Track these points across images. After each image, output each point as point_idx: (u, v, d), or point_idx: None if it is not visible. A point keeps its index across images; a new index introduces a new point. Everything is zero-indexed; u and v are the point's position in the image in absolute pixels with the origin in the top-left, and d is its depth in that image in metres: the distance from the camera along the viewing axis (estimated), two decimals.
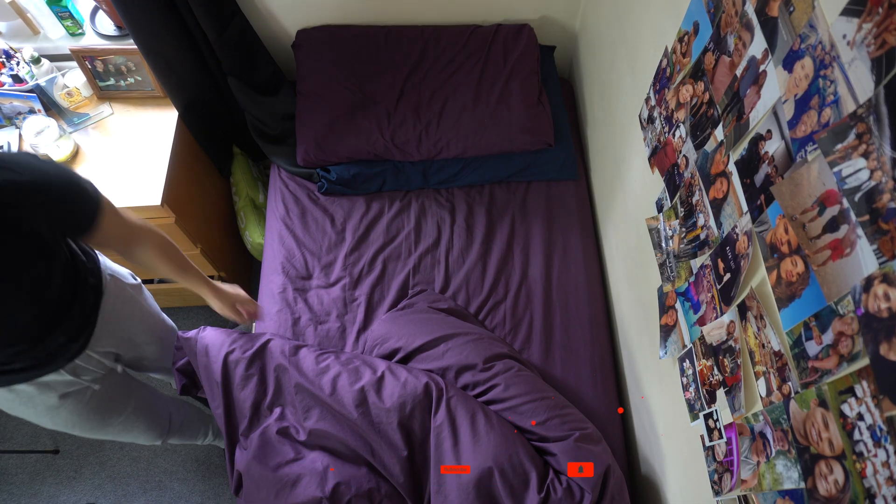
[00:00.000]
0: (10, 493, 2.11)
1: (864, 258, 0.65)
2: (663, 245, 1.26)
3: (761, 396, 0.90)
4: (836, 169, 0.69)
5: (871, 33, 0.62)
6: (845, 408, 0.70)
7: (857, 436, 0.68)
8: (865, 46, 0.63)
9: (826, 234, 0.72)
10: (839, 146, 0.68)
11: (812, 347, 0.76)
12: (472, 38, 1.88)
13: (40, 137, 1.70)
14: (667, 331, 1.27)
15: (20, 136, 1.79)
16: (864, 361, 0.66)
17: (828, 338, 0.73)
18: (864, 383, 0.67)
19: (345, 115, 1.83)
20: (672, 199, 1.21)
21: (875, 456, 0.65)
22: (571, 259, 1.76)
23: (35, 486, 2.13)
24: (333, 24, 1.90)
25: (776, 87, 0.82)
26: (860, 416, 0.68)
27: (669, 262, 1.23)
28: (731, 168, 0.95)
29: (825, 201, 0.72)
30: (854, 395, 0.69)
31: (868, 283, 0.65)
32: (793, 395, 0.81)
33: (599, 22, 1.74)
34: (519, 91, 1.84)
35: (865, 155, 0.64)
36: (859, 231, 0.66)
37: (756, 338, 0.91)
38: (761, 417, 0.90)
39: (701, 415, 1.12)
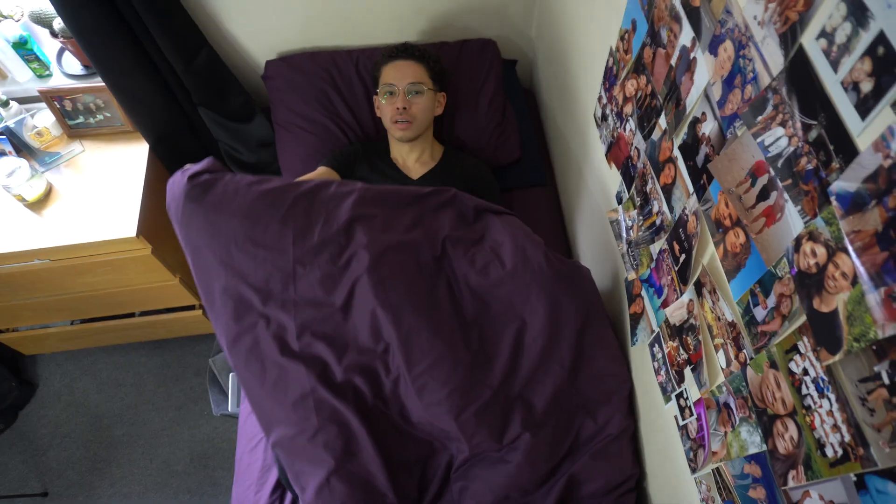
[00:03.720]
0: None
1: (793, 220, 0.69)
2: (624, 235, 1.30)
3: (722, 368, 0.93)
4: (759, 140, 0.73)
5: (776, 12, 0.67)
6: (792, 365, 0.74)
7: (804, 390, 0.72)
8: (773, 24, 0.68)
9: (759, 202, 0.76)
10: (760, 118, 0.72)
11: (759, 313, 0.80)
12: (439, 53, 1.93)
13: (12, 178, 1.72)
14: (636, 319, 1.31)
15: None
16: (802, 318, 0.70)
17: (771, 301, 0.77)
18: (805, 339, 0.70)
19: (325, 141, 1.86)
20: (629, 190, 1.26)
21: (820, 407, 0.69)
22: None
23: None
24: (300, 52, 1.94)
25: (705, 72, 0.86)
26: (805, 371, 0.71)
27: (632, 251, 1.27)
28: (676, 153, 1.00)
29: (756, 172, 0.76)
30: (798, 351, 0.72)
31: (798, 243, 0.69)
32: (748, 361, 0.85)
33: (552, 31, 1.80)
34: (487, 108, 1.90)
35: (783, 124, 0.68)
36: (786, 195, 0.70)
37: (712, 312, 0.94)
38: (724, 388, 0.94)
39: (673, 396, 1.15)
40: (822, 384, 0.68)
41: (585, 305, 1.33)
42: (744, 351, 0.86)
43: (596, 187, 1.53)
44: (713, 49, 0.83)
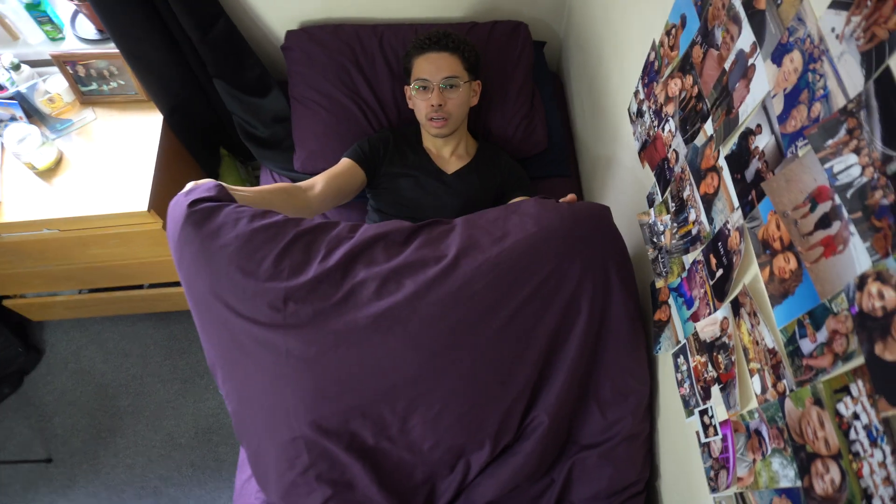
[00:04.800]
0: (4, 503, 2.10)
1: (858, 255, 0.64)
2: (655, 240, 1.25)
3: (756, 394, 0.89)
4: (827, 165, 0.67)
5: (860, 27, 0.61)
6: (841, 407, 0.69)
7: (853, 435, 0.68)
8: (855, 40, 0.62)
9: (818, 230, 0.71)
10: (830, 142, 0.67)
11: (806, 345, 0.75)
12: (469, 35, 1.84)
13: (23, 145, 1.67)
14: (660, 326, 1.26)
15: (2, 144, 1.77)
16: (859, 360, 0.65)
17: (822, 336, 0.72)
18: (860, 382, 0.66)
19: (342, 119, 1.80)
20: (663, 193, 1.20)
21: (871, 456, 0.65)
22: None
23: (29, 495, 2.11)
24: (323, 24, 1.87)
25: (765, 82, 0.80)
26: (856, 416, 0.67)
27: (662, 258, 1.22)
28: (722, 163, 0.94)
29: (817, 197, 0.71)
30: (849, 394, 0.68)
31: (862, 281, 0.64)
32: (788, 393, 0.80)
33: (587, 16, 1.72)
34: (516, 97, 1.82)
35: (857, 151, 0.63)
36: (852, 228, 0.65)
37: (750, 335, 0.90)
38: (756, 415, 0.89)
39: (696, 411, 1.11)
40: (875, 433, 0.64)
41: (604, 269, 1.23)
42: (783, 381, 0.81)
43: (625, 185, 1.47)
44: (777, 58, 0.77)
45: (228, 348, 1.14)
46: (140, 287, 2.16)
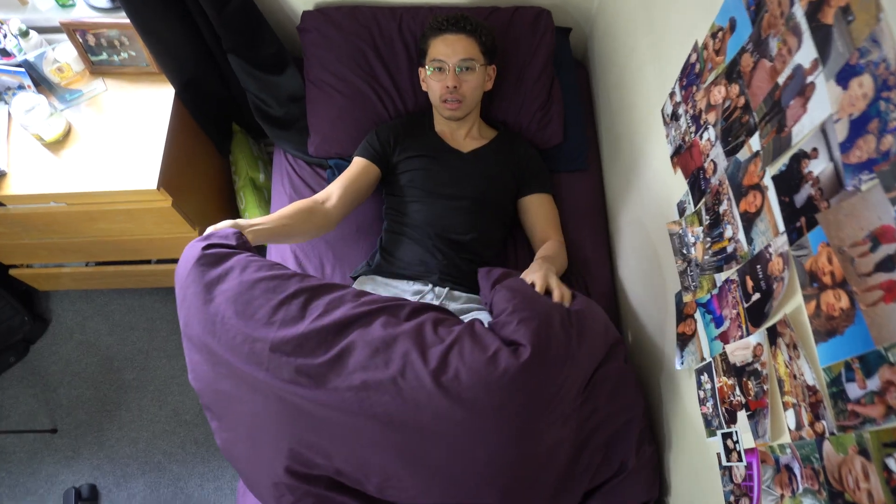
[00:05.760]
0: (9, 471, 2.10)
1: None
2: (685, 252, 1.20)
3: (789, 429, 0.85)
4: None
5: None
6: (890, 462, 0.65)
7: None
8: None
9: (878, 272, 0.66)
10: None
11: (853, 390, 0.71)
12: (489, 21, 1.77)
13: (30, 115, 1.62)
14: (684, 340, 1.22)
15: (9, 113, 1.72)
16: None
17: (873, 384, 0.67)
18: None
19: (358, 104, 1.74)
20: (696, 204, 1.14)
21: None
22: (580, 254, 1.70)
23: (34, 465, 2.12)
24: (341, 4, 1.79)
25: (826, 103, 0.74)
26: None
27: (691, 271, 1.17)
28: (768, 182, 0.89)
29: (880, 237, 0.65)
30: None
31: None
32: (827, 435, 0.76)
33: (620, 5, 1.64)
34: (532, 86, 1.76)
35: None
36: None
37: (787, 367, 0.85)
38: (788, 450, 0.86)
39: (719, 433, 1.07)
40: None
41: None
42: (823, 422, 0.77)
43: (652, 188, 1.42)
44: (843, 80, 0.71)
45: (216, 387, 1.13)
46: (148, 262, 2.13)
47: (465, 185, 1.59)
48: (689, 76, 1.16)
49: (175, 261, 2.10)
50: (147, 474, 2.11)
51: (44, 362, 2.27)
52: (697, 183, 1.14)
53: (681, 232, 1.21)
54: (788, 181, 0.83)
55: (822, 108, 0.75)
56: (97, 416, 2.19)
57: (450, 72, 1.52)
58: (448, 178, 1.60)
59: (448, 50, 1.51)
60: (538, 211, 1.64)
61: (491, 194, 1.61)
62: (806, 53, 0.78)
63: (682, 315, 1.23)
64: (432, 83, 1.57)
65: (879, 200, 0.65)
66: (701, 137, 1.11)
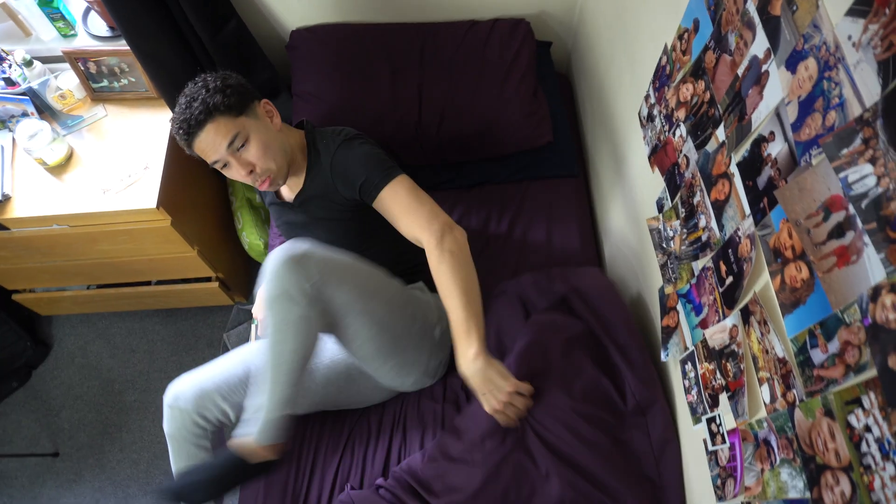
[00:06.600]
0: (11, 496, 2.11)
1: (872, 267, 0.63)
2: (664, 246, 1.24)
3: (765, 403, 0.88)
4: (841, 174, 0.66)
5: (878, 35, 0.60)
6: (852, 419, 0.68)
7: (864, 448, 0.67)
8: (872, 48, 0.61)
9: (831, 240, 0.70)
10: (845, 151, 0.66)
11: (817, 355, 0.74)
12: (469, 34, 1.85)
13: (34, 141, 1.68)
14: (668, 332, 1.26)
15: (13, 139, 1.78)
16: (871, 372, 0.65)
17: (833, 346, 0.71)
18: (872, 395, 0.65)
19: (342, 117, 1.80)
20: (673, 199, 1.19)
21: (883, 469, 0.64)
22: (571, 259, 1.74)
23: (35, 489, 2.12)
24: (327, 24, 1.87)
25: (779, 88, 0.79)
26: (868, 428, 0.66)
27: (671, 264, 1.21)
28: (733, 169, 0.93)
29: (830, 207, 0.70)
30: (861, 406, 0.67)
31: (875, 293, 0.63)
32: (798, 403, 0.79)
33: (597, 17, 1.71)
34: (515, 90, 1.82)
35: (872, 161, 0.62)
36: (866, 239, 0.64)
37: (759, 343, 0.89)
38: (765, 424, 0.89)
39: (703, 418, 1.10)
40: (887, 446, 0.63)
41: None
42: (793, 391, 0.81)
43: (634, 190, 1.47)
44: (791, 65, 0.76)
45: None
46: (148, 283, 2.17)
47: (315, 234, 1.48)
48: (661, 78, 1.22)
49: (174, 282, 2.15)
50: (148, 495, 2.11)
51: (46, 386, 2.30)
52: (673, 179, 1.19)
53: (660, 227, 1.26)
54: (751, 166, 0.88)
55: (776, 94, 0.80)
56: (99, 439, 2.21)
57: (231, 162, 1.33)
58: (300, 231, 1.52)
59: (210, 148, 1.32)
60: (390, 211, 1.38)
61: (340, 231, 1.49)
62: (759, 45, 0.84)
63: (666, 308, 1.26)
64: (233, 175, 1.39)
65: (827, 171, 0.69)
66: (674, 135, 1.16)
